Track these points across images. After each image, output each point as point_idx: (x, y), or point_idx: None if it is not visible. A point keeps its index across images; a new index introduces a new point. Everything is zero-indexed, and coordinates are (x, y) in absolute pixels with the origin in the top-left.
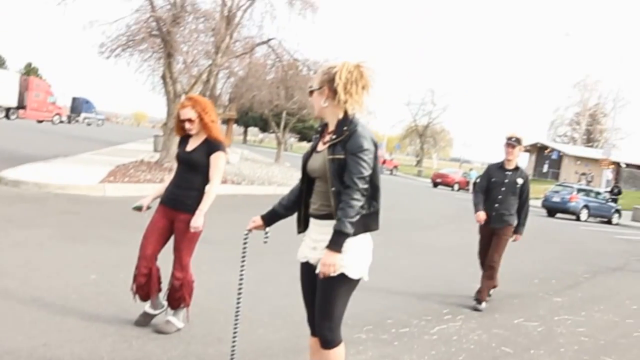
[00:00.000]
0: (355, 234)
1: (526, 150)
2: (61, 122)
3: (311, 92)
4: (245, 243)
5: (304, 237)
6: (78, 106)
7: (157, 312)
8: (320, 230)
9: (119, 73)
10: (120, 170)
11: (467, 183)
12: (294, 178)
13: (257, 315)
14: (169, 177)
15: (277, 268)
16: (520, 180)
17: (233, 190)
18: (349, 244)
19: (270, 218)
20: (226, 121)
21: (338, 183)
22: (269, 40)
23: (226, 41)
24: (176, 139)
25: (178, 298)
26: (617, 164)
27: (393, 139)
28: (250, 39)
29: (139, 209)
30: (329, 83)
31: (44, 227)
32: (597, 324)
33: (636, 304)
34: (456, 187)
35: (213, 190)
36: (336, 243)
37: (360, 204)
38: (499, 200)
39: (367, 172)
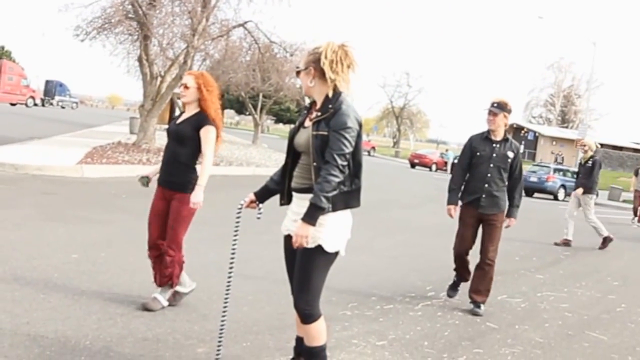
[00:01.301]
0: (335, 210)
1: None
2: (35, 105)
3: (298, 73)
4: (237, 220)
5: (287, 211)
6: (52, 89)
7: (187, 290)
8: (301, 203)
9: (93, 56)
10: (97, 151)
11: (445, 163)
12: (272, 159)
13: (241, 293)
14: (146, 158)
15: (258, 247)
16: (510, 154)
17: (211, 170)
18: (327, 218)
19: (263, 195)
20: None
21: (320, 159)
22: (246, 22)
23: (203, 23)
24: (154, 121)
25: (167, 275)
26: None
27: (370, 120)
28: (227, 21)
29: (145, 181)
30: (315, 63)
31: (22, 208)
32: (579, 300)
33: (617, 280)
34: (434, 167)
35: (207, 163)
36: (310, 216)
37: (337, 180)
38: (489, 179)
39: (347, 150)
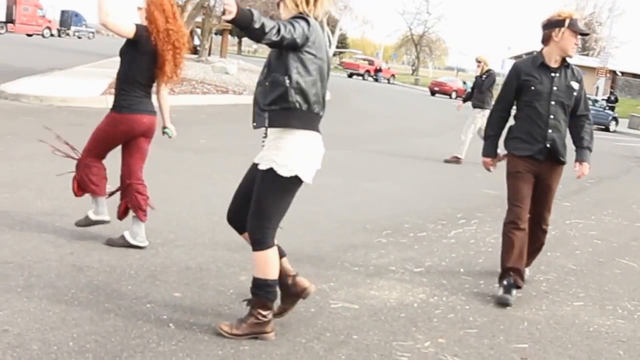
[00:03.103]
0: (273, 126)
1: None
2: (52, 35)
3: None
4: None
5: None
6: (67, 19)
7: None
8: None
9: None
10: None
11: (465, 92)
12: None
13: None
14: (170, 88)
15: None
16: (575, 84)
17: (235, 100)
18: (284, 140)
19: None
20: (221, 32)
21: (263, 72)
22: None
23: None
24: None
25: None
26: (614, 72)
27: (389, 48)
28: None
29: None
30: None
31: (51, 140)
32: (607, 228)
33: None
34: (454, 95)
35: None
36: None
37: (269, 27)
38: (553, 122)
39: (288, 31)
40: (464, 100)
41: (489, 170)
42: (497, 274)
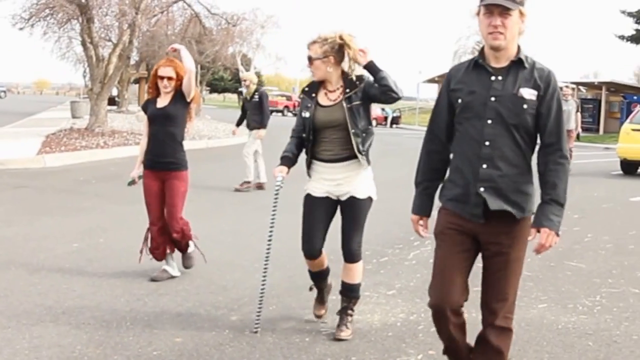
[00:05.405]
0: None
1: (435, 82)
2: None
3: (311, 62)
4: (277, 192)
5: (311, 180)
6: None
7: (174, 273)
8: (344, 169)
9: (14, 42)
10: (52, 140)
11: (385, 119)
12: (220, 130)
13: (247, 262)
14: (103, 142)
15: (250, 218)
16: (529, 93)
17: None
18: (370, 174)
19: (291, 166)
20: (137, 81)
21: (356, 126)
22: None
23: (145, 1)
24: (104, 104)
25: (185, 245)
26: None
27: (304, 82)
28: None
29: (133, 182)
30: (336, 52)
31: (1, 204)
32: None
33: (576, 213)
34: (374, 123)
35: None
36: None
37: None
38: (488, 152)
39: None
40: (238, 124)
41: (419, 234)
42: None
